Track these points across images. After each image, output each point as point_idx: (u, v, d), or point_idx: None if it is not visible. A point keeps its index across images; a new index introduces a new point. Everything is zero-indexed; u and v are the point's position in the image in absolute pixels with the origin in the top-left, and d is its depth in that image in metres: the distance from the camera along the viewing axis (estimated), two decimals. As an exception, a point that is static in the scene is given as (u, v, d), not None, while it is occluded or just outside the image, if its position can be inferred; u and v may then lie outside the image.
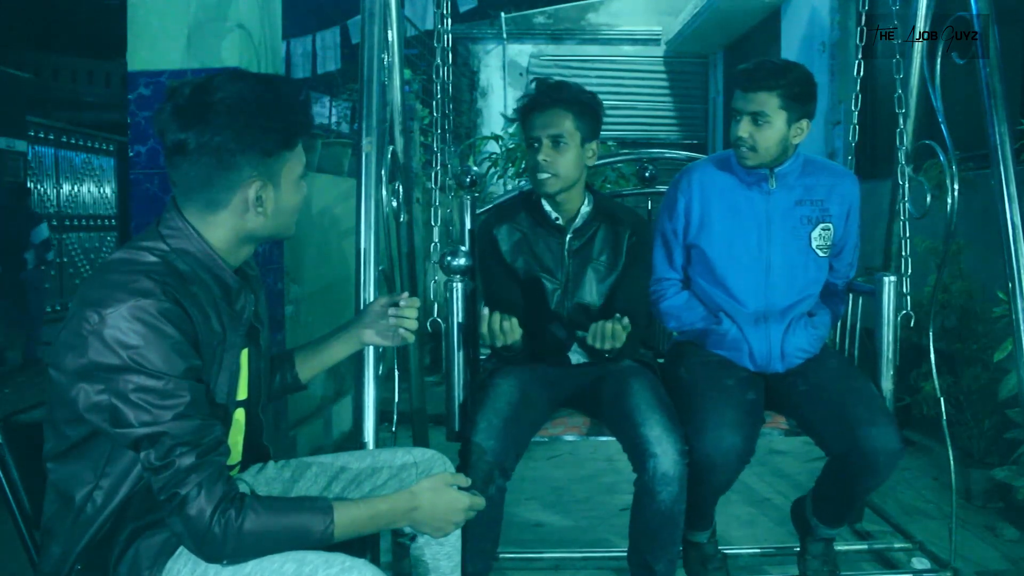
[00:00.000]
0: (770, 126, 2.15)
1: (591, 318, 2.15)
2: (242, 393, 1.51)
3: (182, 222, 1.39)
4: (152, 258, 1.34)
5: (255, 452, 1.62)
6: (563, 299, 2.27)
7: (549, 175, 2.19)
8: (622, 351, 2.09)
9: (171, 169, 1.38)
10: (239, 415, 1.52)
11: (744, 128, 2.17)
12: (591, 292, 2.26)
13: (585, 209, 2.28)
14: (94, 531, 1.33)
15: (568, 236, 2.27)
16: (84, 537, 1.33)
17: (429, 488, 1.46)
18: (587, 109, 2.21)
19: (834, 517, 2.27)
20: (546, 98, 2.20)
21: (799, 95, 2.15)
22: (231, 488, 1.28)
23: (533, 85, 2.26)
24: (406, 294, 1.75)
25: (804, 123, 2.19)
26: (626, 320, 2.01)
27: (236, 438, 1.52)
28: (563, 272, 2.27)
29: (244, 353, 1.49)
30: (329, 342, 1.77)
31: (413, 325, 1.73)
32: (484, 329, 2.03)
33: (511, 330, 2.02)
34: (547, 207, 2.27)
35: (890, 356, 2.28)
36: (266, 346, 1.59)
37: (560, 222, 2.27)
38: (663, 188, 2.52)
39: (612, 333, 2.01)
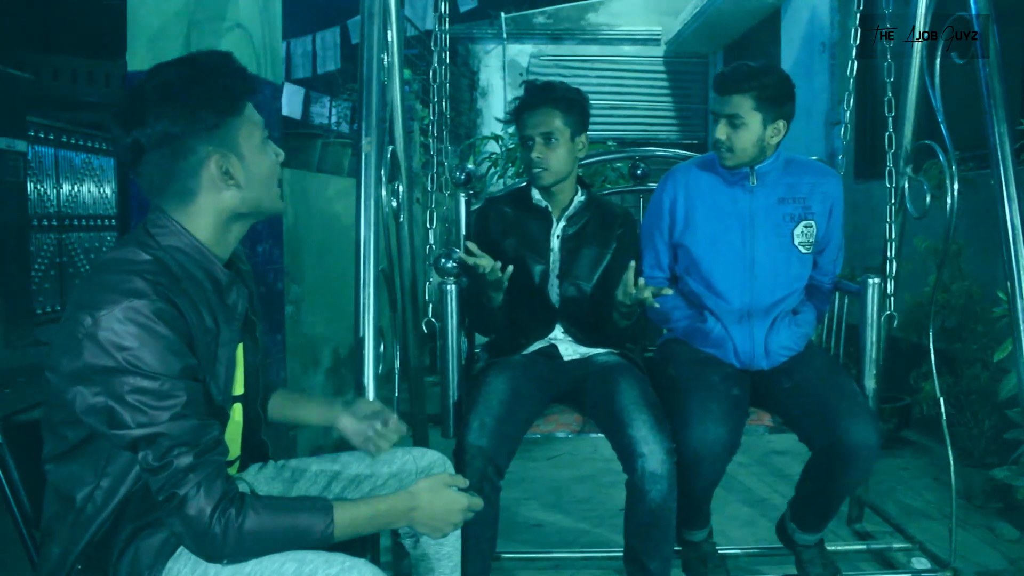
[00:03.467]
0: (746, 128, 2.20)
1: (584, 300, 2.35)
2: (238, 388, 1.50)
3: (166, 219, 1.39)
4: (144, 257, 1.33)
5: (253, 447, 1.62)
6: (548, 279, 2.36)
7: (543, 169, 2.32)
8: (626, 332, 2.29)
9: (136, 176, 1.39)
10: (236, 411, 1.51)
11: (722, 131, 2.23)
12: (585, 275, 2.36)
13: (579, 199, 2.40)
14: (94, 531, 1.33)
15: (561, 223, 2.39)
16: (84, 537, 1.33)
17: (428, 488, 1.46)
18: (574, 106, 2.32)
19: (812, 521, 2.29)
20: (535, 99, 2.32)
21: (773, 97, 2.20)
22: (231, 487, 1.28)
23: (523, 87, 2.38)
24: (395, 418, 1.70)
25: (781, 124, 2.24)
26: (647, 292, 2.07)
27: (234, 434, 1.52)
28: (549, 254, 2.37)
29: (240, 348, 1.49)
30: (309, 403, 1.79)
31: (385, 448, 1.70)
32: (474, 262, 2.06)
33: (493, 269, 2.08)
34: (536, 196, 2.40)
35: (873, 356, 2.31)
36: (262, 340, 1.59)
37: (549, 208, 2.39)
38: (655, 185, 2.55)
39: (638, 287, 2.05)
